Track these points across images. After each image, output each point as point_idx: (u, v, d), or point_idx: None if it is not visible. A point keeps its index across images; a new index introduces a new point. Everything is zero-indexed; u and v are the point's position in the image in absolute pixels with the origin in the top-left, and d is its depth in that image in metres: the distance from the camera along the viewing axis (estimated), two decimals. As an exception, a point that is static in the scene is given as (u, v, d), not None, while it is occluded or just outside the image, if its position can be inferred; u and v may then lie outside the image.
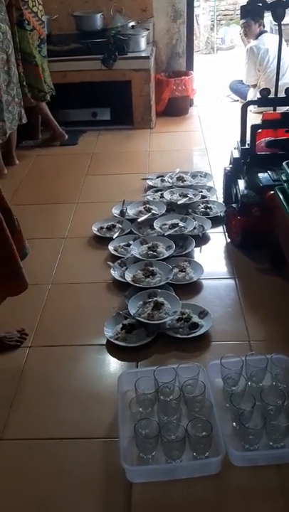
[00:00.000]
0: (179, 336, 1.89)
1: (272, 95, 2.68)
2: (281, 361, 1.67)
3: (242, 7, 2.98)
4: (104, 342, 1.90)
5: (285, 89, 2.52)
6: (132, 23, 3.90)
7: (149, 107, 4.02)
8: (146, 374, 1.63)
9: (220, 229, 2.65)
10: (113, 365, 1.83)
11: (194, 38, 7.33)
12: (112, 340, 1.87)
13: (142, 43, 3.88)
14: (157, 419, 1.49)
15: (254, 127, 2.37)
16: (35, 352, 1.89)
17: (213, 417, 1.49)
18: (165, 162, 3.49)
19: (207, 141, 3.85)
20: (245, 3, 2.90)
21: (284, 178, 2.05)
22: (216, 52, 7.48)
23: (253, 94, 4.30)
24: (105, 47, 3.75)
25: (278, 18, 2.57)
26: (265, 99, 2.57)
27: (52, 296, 2.20)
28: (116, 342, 1.86)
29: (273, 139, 2.46)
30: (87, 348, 1.90)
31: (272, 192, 2.11)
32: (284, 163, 2.03)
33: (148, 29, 3.98)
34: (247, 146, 2.46)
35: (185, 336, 1.89)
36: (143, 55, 3.86)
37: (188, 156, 3.67)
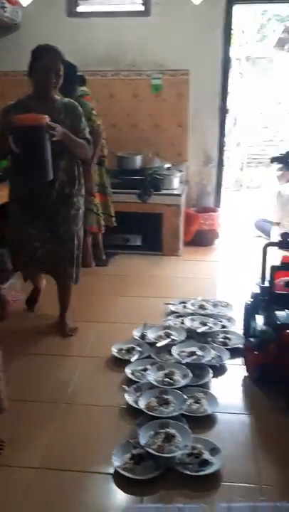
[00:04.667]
0: (188, 472, 1.84)
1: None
2: (292, 512, 1.60)
3: (271, 160, 3.28)
4: (112, 471, 1.86)
5: (305, 235, 2.72)
6: (167, 165, 4.37)
7: (177, 237, 4.32)
8: (150, 511, 1.58)
9: (238, 361, 2.67)
10: (118, 497, 1.77)
11: (225, 176, 8.05)
12: (119, 470, 1.84)
13: (176, 182, 4.31)
14: None
15: (273, 268, 2.53)
16: (40, 475, 1.86)
17: None
18: (189, 289, 3.64)
19: (230, 272, 4.03)
20: (275, 157, 3.20)
21: (300, 319, 2.13)
22: (244, 189, 8.09)
23: (275, 232, 4.57)
24: (142, 184, 4.18)
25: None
26: (286, 242, 2.76)
27: (64, 416, 2.21)
28: (123, 473, 1.82)
29: (292, 279, 2.59)
30: (93, 476, 1.86)
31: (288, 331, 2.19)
32: (300, 306, 2.13)
33: (182, 171, 4.44)
34: (267, 284, 2.59)
35: (194, 474, 1.83)
36: (175, 192, 4.26)
37: (212, 284, 3.83)
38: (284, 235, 2.75)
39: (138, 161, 4.40)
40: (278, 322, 2.34)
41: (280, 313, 2.40)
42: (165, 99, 4.50)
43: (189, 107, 4.49)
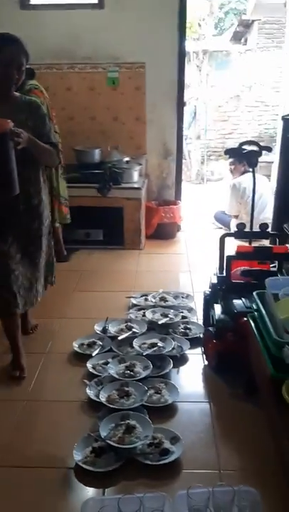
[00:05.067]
0: (148, 462, 1.86)
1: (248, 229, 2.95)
2: (249, 494, 1.64)
3: (225, 152, 3.38)
4: (73, 465, 1.86)
5: (260, 225, 2.79)
6: (126, 159, 4.36)
7: (139, 231, 4.33)
8: (111, 503, 1.59)
9: (198, 350, 2.71)
10: (79, 491, 1.78)
11: (186, 169, 8.12)
12: (80, 463, 1.84)
13: (135, 175, 4.31)
14: None
15: (229, 258, 2.58)
16: (1, 473, 1.84)
17: None
18: (151, 282, 3.66)
19: (191, 264, 4.08)
20: (228, 149, 3.29)
21: (254, 307, 2.18)
22: (205, 182, 8.18)
23: (235, 224, 4.65)
24: (101, 177, 4.16)
25: (252, 165, 2.93)
26: (241, 232, 2.82)
27: (24, 413, 2.19)
28: (84, 466, 1.83)
29: (247, 268, 2.65)
30: (54, 470, 1.86)
31: (245, 319, 2.23)
32: (254, 293, 2.18)
33: (141, 164, 4.45)
34: (223, 274, 2.64)
35: (155, 463, 1.86)
36: (135, 186, 4.26)
37: (173, 277, 3.86)
38: (239, 225, 2.81)
39: (97, 154, 4.38)
40: (235, 311, 2.40)
41: (237, 302, 2.45)
42: (122, 92, 4.48)
43: (147, 100, 4.49)
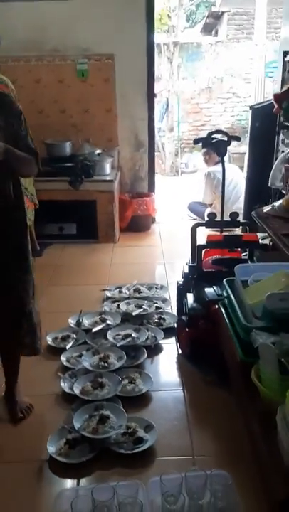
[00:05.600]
0: (122, 451, 1.87)
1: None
2: (221, 477, 1.66)
3: (194, 141, 3.39)
4: (47, 458, 1.86)
5: (230, 214, 2.81)
6: (98, 151, 4.34)
7: (112, 224, 4.32)
8: (84, 492, 1.59)
9: (172, 340, 2.73)
10: (54, 482, 1.77)
11: (160, 162, 8.12)
12: (54, 456, 1.84)
13: (107, 168, 4.29)
14: None
15: (200, 247, 2.60)
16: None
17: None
18: (125, 274, 3.66)
19: (166, 255, 4.09)
20: (197, 138, 3.30)
21: (225, 294, 2.20)
22: (180, 175, 8.20)
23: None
24: (73, 171, 4.13)
25: (221, 154, 2.95)
26: (212, 222, 2.84)
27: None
28: (58, 458, 1.83)
29: (218, 257, 2.67)
30: (28, 464, 1.85)
31: (216, 306, 2.26)
32: (224, 281, 2.20)
33: (112, 156, 4.43)
34: (195, 263, 2.66)
35: (129, 452, 1.87)
36: (107, 178, 4.24)
37: (148, 269, 3.87)
38: (210, 215, 2.84)
39: (68, 147, 4.34)
40: (206, 299, 2.42)
41: (208, 290, 2.47)
42: (92, 84, 4.44)
43: (117, 92, 4.47)
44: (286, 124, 2.56)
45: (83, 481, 1.77)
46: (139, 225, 4.64)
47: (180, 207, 5.42)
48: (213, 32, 10.29)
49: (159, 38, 7.33)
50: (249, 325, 1.81)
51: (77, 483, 1.76)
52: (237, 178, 4.71)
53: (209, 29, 10.32)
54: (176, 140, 8.43)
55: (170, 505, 1.57)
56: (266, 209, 2.05)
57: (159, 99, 8.07)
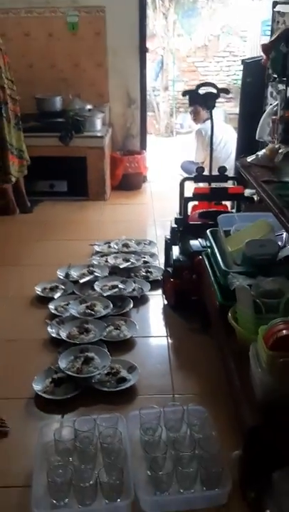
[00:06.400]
0: (106, 389, 1.96)
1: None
2: (198, 412, 1.76)
3: (182, 94, 3.35)
4: (33, 395, 1.95)
5: (218, 168, 2.82)
6: (89, 107, 4.29)
7: (103, 181, 4.32)
8: (67, 424, 1.68)
9: (159, 292, 2.80)
10: (39, 417, 1.86)
11: (155, 122, 8.01)
12: (40, 393, 1.92)
13: (98, 124, 4.25)
14: (73, 467, 1.53)
15: (186, 199, 2.63)
16: None
17: (126, 464, 1.54)
18: (115, 231, 3.68)
19: (156, 214, 4.11)
20: (185, 91, 3.26)
21: (208, 244, 2.25)
22: (175, 135, 8.10)
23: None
24: (63, 126, 4.09)
25: (209, 107, 2.94)
26: (200, 176, 2.85)
27: (-12, 351, 2.25)
28: (43, 395, 1.91)
29: (204, 210, 2.71)
30: (14, 401, 1.94)
31: (200, 257, 2.31)
32: (207, 231, 2.25)
33: (103, 112, 4.38)
34: (182, 216, 2.69)
35: (112, 390, 1.96)
36: (98, 134, 4.21)
37: (138, 226, 3.90)
38: (198, 169, 2.85)
39: (58, 102, 4.28)
40: (191, 250, 2.47)
41: (193, 242, 2.52)
42: (82, 37, 4.35)
43: (108, 46, 4.38)
44: (273, 75, 2.54)
45: (68, 417, 1.86)
46: (130, 183, 4.63)
47: (173, 167, 5.40)
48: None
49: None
50: (227, 269, 1.86)
51: (62, 418, 1.85)
52: (227, 136, 4.67)
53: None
54: (171, 99, 8.29)
55: (148, 437, 1.66)
56: (250, 159, 2.07)
57: (154, 56, 7.88)
